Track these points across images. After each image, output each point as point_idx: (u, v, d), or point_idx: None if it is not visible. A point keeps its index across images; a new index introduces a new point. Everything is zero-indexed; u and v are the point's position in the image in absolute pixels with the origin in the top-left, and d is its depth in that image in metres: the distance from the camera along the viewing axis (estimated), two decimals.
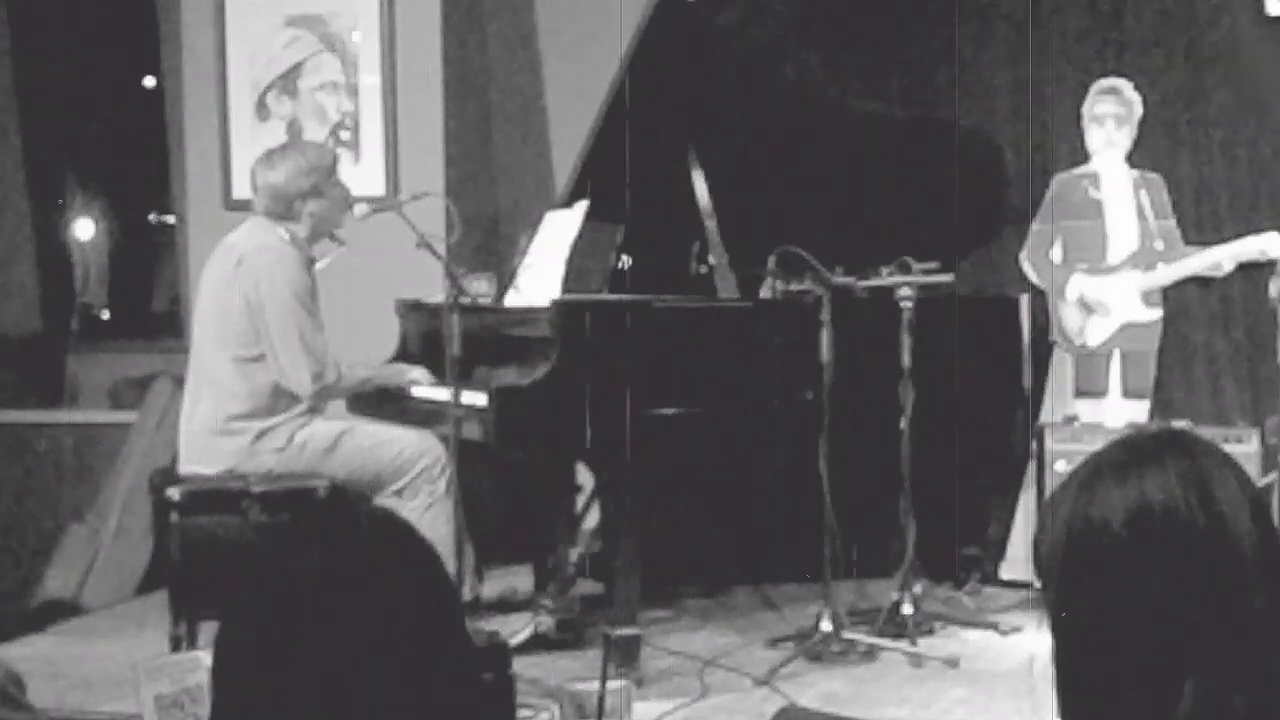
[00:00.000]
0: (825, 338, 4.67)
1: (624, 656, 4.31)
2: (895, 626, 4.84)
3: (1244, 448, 5.09)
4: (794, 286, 4.77)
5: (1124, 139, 5.47)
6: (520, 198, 6.39)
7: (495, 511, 5.35)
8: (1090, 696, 1.47)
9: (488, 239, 6.17)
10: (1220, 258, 5.34)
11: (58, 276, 7.51)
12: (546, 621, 4.81)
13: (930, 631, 4.91)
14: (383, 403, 4.93)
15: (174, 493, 4.45)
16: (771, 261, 4.78)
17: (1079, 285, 5.47)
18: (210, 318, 4.62)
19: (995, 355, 5.35)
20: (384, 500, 4.53)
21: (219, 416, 4.54)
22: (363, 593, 1.38)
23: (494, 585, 5.40)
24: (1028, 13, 6.26)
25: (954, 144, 5.69)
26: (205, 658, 3.18)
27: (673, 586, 5.46)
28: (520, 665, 3.88)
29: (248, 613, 1.40)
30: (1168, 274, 5.47)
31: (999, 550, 5.66)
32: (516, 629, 4.72)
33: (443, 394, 4.50)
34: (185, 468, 4.60)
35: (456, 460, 4.47)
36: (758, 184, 5.31)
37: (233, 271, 4.56)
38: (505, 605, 5.20)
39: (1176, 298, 5.70)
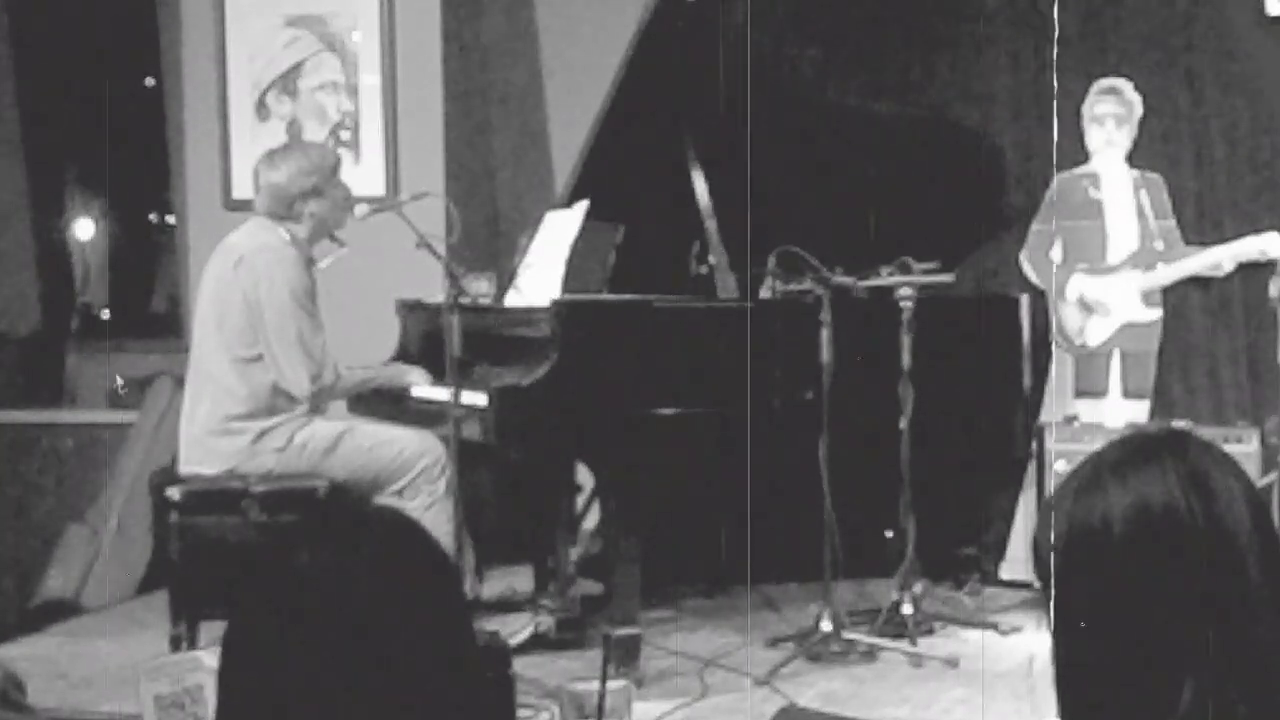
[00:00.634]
0: (825, 338, 4.67)
1: (624, 656, 4.31)
2: (895, 626, 4.84)
3: (1244, 448, 5.09)
4: (794, 286, 4.77)
5: (1124, 139, 5.47)
6: (520, 198, 6.39)
7: (495, 511, 5.35)
8: (1090, 696, 1.47)
9: (488, 239, 6.18)
10: (1220, 258, 5.34)
11: (58, 276, 7.51)
12: (546, 621, 4.81)
13: (930, 631, 4.91)
14: (383, 403, 4.93)
15: (174, 493, 4.45)
16: (771, 261, 4.78)
17: (1079, 285, 5.47)
18: (210, 318, 4.62)
19: (995, 355, 5.35)
20: (384, 500, 4.53)
21: (219, 417, 4.54)
22: (372, 592, 1.38)
23: (494, 585, 5.40)
24: (1028, 13, 6.26)
25: (954, 144, 5.69)
26: (205, 658, 3.19)
27: (673, 586, 5.46)
28: (520, 665, 3.88)
29: (255, 612, 1.40)
30: (1168, 274, 5.47)
31: (999, 550, 5.66)
32: (516, 629, 4.72)
33: (443, 394, 4.50)
34: (185, 468, 4.59)
35: (456, 460, 4.47)
36: (758, 184, 5.31)
37: (232, 272, 4.56)
38: (505, 605, 5.20)
39: (1176, 298, 5.70)
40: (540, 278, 4.83)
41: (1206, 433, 4.35)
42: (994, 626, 4.97)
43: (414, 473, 4.59)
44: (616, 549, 4.47)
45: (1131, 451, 1.50)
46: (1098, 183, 5.49)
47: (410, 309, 5.32)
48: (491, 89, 6.46)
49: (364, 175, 5.87)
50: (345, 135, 6.05)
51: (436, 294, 4.74)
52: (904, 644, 4.73)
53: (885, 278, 4.89)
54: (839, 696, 4.29)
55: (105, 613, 5.70)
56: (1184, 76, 6.07)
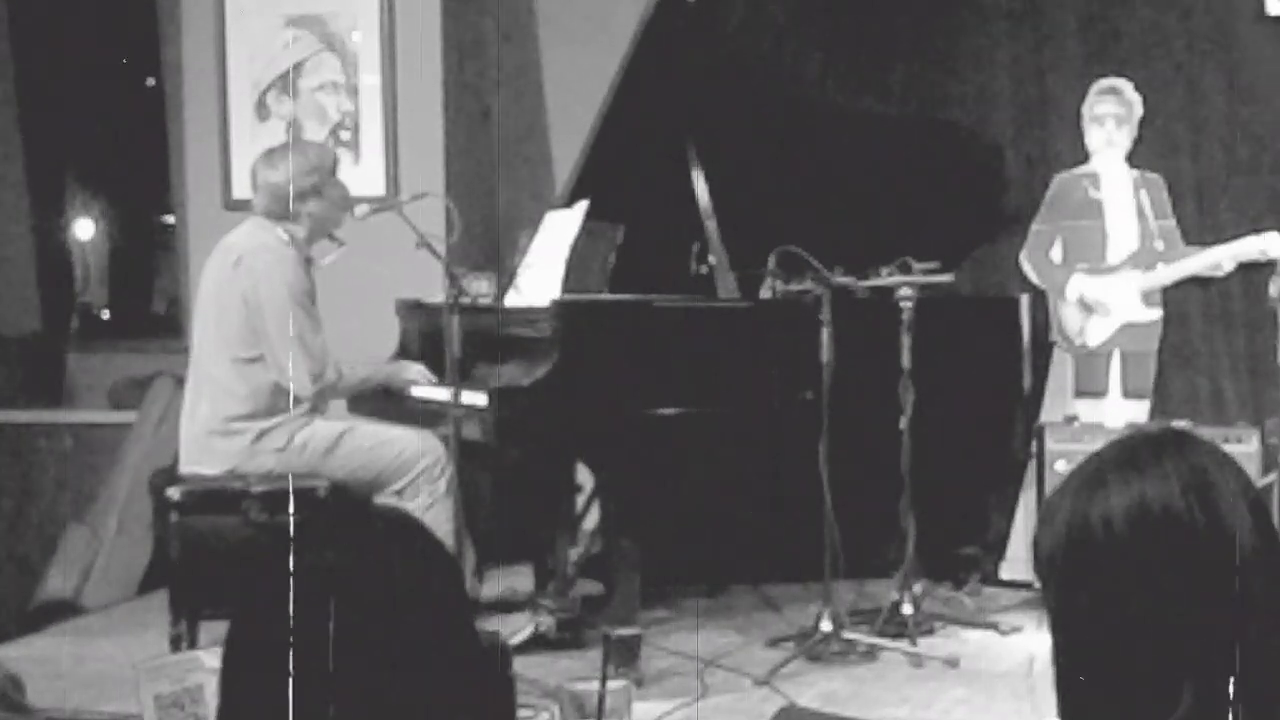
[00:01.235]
0: (825, 338, 4.67)
1: (624, 656, 4.31)
2: (895, 626, 4.84)
3: (1244, 448, 5.09)
4: (794, 286, 4.77)
5: (1124, 139, 5.47)
6: (520, 198, 6.40)
7: (495, 511, 5.35)
8: (1090, 696, 1.47)
9: (488, 239, 6.18)
10: (1220, 258, 5.34)
11: (58, 276, 7.51)
12: (546, 621, 4.81)
13: (930, 631, 4.91)
14: (383, 402, 4.93)
15: (174, 493, 4.45)
16: (771, 261, 4.78)
17: (1079, 285, 5.47)
18: (209, 318, 4.62)
19: (995, 355, 5.35)
20: (384, 500, 4.53)
21: (219, 417, 4.54)
22: (376, 592, 1.38)
23: (494, 585, 5.41)
24: (1028, 12, 6.26)
25: (954, 144, 5.69)
26: (205, 658, 3.19)
27: (673, 586, 5.46)
28: (520, 665, 3.88)
29: (258, 612, 1.40)
30: (1168, 274, 5.47)
31: (999, 550, 5.66)
32: (516, 629, 4.72)
33: (443, 394, 4.50)
34: (185, 468, 4.60)
35: (456, 460, 4.47)
36: (758, 184, 5.31)
37: (231, 272, 4.57)
38: (505, 605, 5.20)
39: (1176, 298, 5.70)
40: (540, 278, 4.83)
41: (1206, 433, 4.34)
42: (994, 626, 4.97)
43: (414, 472, 4.59)
44: (616, 549, 4.47)
45: (1131, 452, 1.50)
46: (1098, 183, 5.49)
47: (410, 309, 5.32)
48: (491, 89, 6.46)
49: (364, 175, 5.87)
50: (345, 135, 6.05)
51: (436, 294, 4.74)
52: (904, 644, 4.73)
53: (885, 278, 4.89)
54: (839, 696, 4.29)
55: (105, 613, 5.70)
56: (1184, 76, 6.07)
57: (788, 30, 6.32)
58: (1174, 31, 6.08)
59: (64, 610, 5.79)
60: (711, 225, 5.05)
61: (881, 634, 4.79)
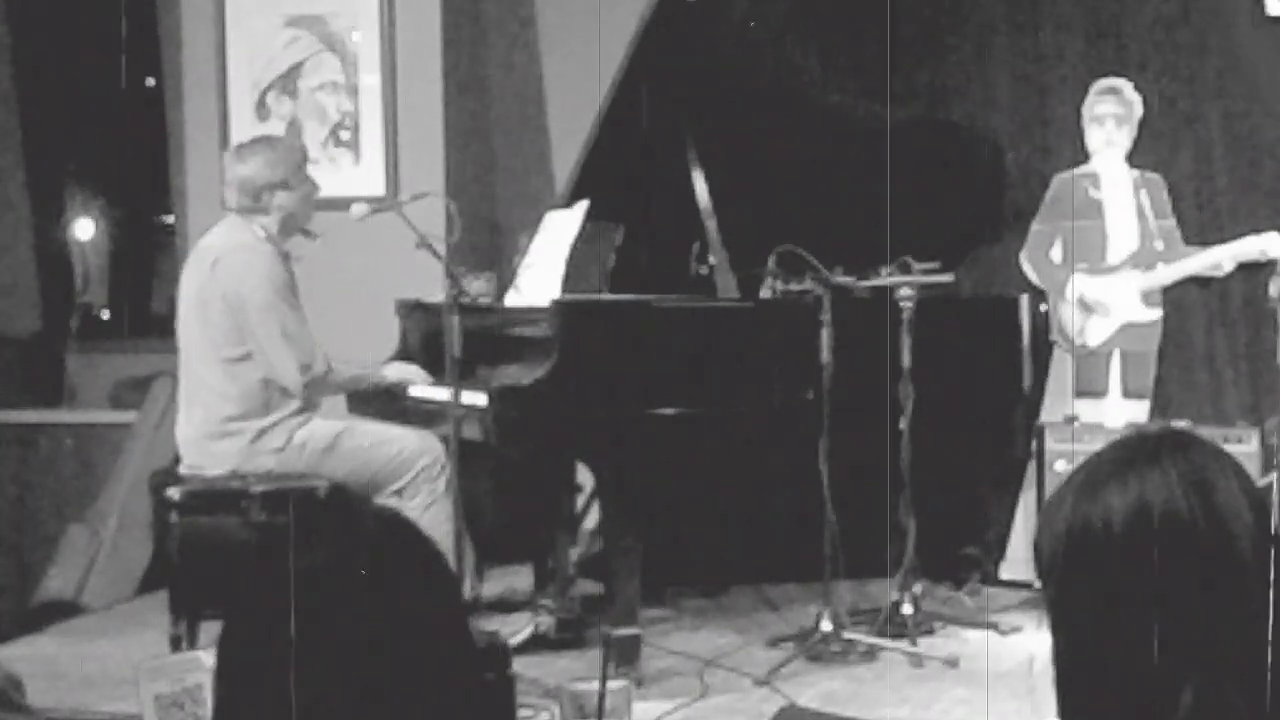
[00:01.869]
0: (825, 338, 4.67)
1: (624, 656, 4.31)
2: (895, 626, 4.84)
3: (1244, 448, 5.09)
4: (794, 286, 4.76)
5: (1124, 139, 5.47)
6: (520, 198, 6.39)
7: (495, 511, 5.35)
8: (1090, 696, 1.47)
9: (488, 239, 6.17)
10: (1220, 258, 5.34)
11: (58, 276, 7.52)
12: (546, 621, 4.81)
13: (930, 631, 4.91)
14: (383, 402, 4.93)
15: (174, 493, 4.45)
16: (771, 261, 4.78)
17: (1079, 285, 5.47)
18: (193, 321, 4.60)
19: (995, 355, 5.34)
20: (383, 500, 4.52)
21: (215, 419, 4.53)
22: (369, 592, 1.38)
23: (494, 585, 5.40)
24: (1028, 13, 6.26)
25: (954, 144, 5.69)
26: (205, 658, 3.19)
27: (673, 586, 5.46)
28: (520, 665, 3.88)
29: (252, 612, 1.40)
30: (1168, 274, 5.47)
31: (999, 550, 5.66)
32: (516, 629, 4.72)
33: (443, 394, 4.50)
34: (185, 468, 4.59)
35: (456, 460, 4.47)
36: (758, 184, 5.31)
37: (209, 273, 4.55)
38: (505, 605, 5.20)
39: (1176, 298, 5.70)
40: (540, 278, 4.82)
41: (1206, 433, 4.34)
42: (994, 626, 4.97)
43: (413, 472, 4.59)
44: (616, 549, 4.47)
45: (1131, 452, 1.50)
46: (1098, 183, 5.49)
47: (410, 309, 5.32)
48: (491, 89, 6.46)
49: (364, 175, 5.87)
50: (345, 135, 6.05)
51: (436, 294, 4.74)
52: (904, 644, 4.73)
53: (885, 278, 4.89)
54: (839, 696, 4.29)
55: (105, 613, 5.70)
56: (1184, 76, 6.07)
57: (788, 30, 6.32)
58: (1174, 32, 6.08)
59: (64, 610, 5.79)
60: (711, 225, 5.05)
61: (881, 634, 4.80)
